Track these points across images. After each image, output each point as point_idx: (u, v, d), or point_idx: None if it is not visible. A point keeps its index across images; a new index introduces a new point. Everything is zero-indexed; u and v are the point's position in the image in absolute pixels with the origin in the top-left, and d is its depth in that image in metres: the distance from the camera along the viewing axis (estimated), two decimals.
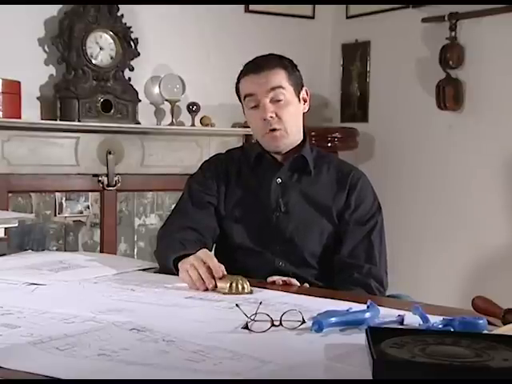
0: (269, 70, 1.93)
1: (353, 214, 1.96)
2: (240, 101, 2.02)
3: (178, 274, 1.75)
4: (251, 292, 1.62)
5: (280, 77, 1.94)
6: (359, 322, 1.30)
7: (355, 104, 4.57)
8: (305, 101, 2.02)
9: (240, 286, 1.61)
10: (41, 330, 1.25)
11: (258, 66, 1.95)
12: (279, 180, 2.00)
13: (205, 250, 1.75)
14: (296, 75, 1.99)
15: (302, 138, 2.03)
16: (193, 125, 4.06)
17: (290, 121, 1.95)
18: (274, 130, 1.94)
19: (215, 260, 1.68)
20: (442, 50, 3.93)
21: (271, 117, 1.92)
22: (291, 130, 1.97)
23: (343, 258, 1.93)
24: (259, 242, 1.97)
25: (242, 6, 4.36)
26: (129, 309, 1.43)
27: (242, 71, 2.00)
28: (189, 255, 1.73)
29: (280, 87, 1.93)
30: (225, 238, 2.01)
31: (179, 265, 1.74)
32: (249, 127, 2.09)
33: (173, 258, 1.78)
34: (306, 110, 2.03)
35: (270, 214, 1.98)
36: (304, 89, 2.02)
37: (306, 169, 2.01)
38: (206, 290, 1.64)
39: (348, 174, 2.01)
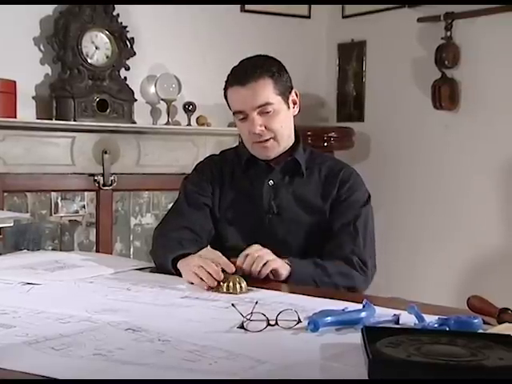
0: (254, 81, 1.89)
1: (342, 203, 1.96)
2: (229, 108, 2.00)
3: (176, 274, 1.75)
4: (247, 291, 1.62)
5: (266, 90, 1.90)
6: (355, 321, 1.30)
7: (351, 104, 4.57)
8: (294, 103, 2.00)
9: (238, 286, 1.61)
10: (36, 329, 1.24)
11: (243, 75, 1.91)
12: (271, 182, 2.00)
13: (210, 249, 1.75)
14: (283, 80, 1.94)
15: (293, 140, 2.03)
16: (189, 124, 4.05)
17: (279, 129, 1.94)
18: (264, 140, 1.94)
19: (224, 258, 1.68)
20: (437, 50, 3.94)
21: (260, 130, 1.91)
22: (282, 137, 1.96)
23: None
24: (253, 243, 1.96)
25: (237, 6, 4.35)
26: (124, 309, 1.43)
27: (228, 78, 1.96)
28: (187, 255, 1.73)
29: (267, 104, 1.90)
30: (219, 240, 2.01)
31: (180, 264, 1.74)
32: None
33: (171, 258, 1.78)
34: (296, 113, 2.01)
35: (262, 215, 1.98)
36: (293, 91, 1.98)
37: (298, 171, 2.01)
38: (213, 286, 1.62)
39: (339, 172, 2.01)
